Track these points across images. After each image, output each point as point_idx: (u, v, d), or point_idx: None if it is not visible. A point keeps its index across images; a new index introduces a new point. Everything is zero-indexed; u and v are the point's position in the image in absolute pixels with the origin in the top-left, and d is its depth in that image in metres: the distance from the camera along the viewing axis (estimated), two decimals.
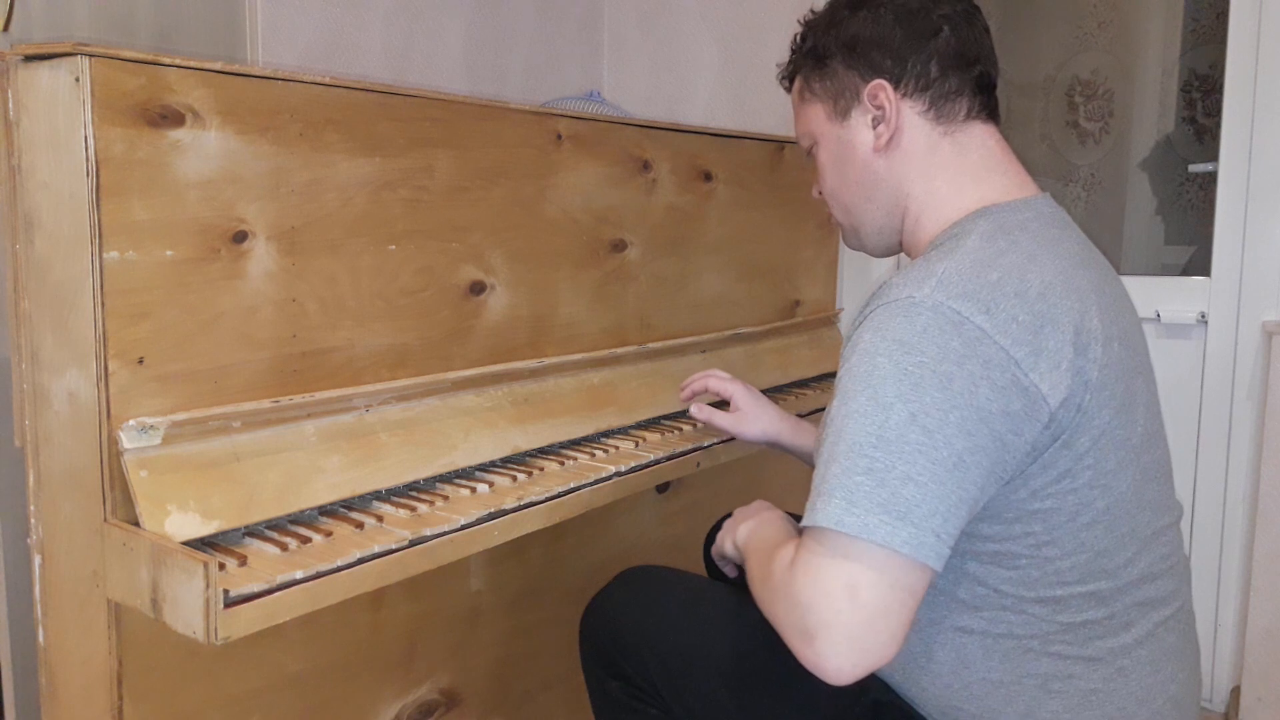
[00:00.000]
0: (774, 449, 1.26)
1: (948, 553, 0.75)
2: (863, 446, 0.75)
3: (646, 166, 1.46)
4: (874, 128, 0.93)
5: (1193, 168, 1.99)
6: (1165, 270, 2.08)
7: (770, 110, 2.13)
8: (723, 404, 1.29)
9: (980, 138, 0.93)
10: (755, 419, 1.25)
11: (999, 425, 0.76)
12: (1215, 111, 1.83)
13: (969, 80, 0.92)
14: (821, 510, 0.75)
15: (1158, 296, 1.78)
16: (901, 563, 0.73)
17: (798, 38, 1.00)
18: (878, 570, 0.72)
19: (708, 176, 1.58)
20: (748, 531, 0.97)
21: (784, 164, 1.73)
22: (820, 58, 0.96)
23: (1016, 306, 0.77)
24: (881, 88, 0.92)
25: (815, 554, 0.75)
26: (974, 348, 0.76)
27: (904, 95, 0.92)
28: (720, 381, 1.28)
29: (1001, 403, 0.75)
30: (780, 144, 1.72)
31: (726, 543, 1.02)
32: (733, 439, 1.33)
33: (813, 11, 0.99)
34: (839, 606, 0.72)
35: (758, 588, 0.85)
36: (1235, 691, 1.72)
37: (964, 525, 0.77)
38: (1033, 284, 0.79)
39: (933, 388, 0.74)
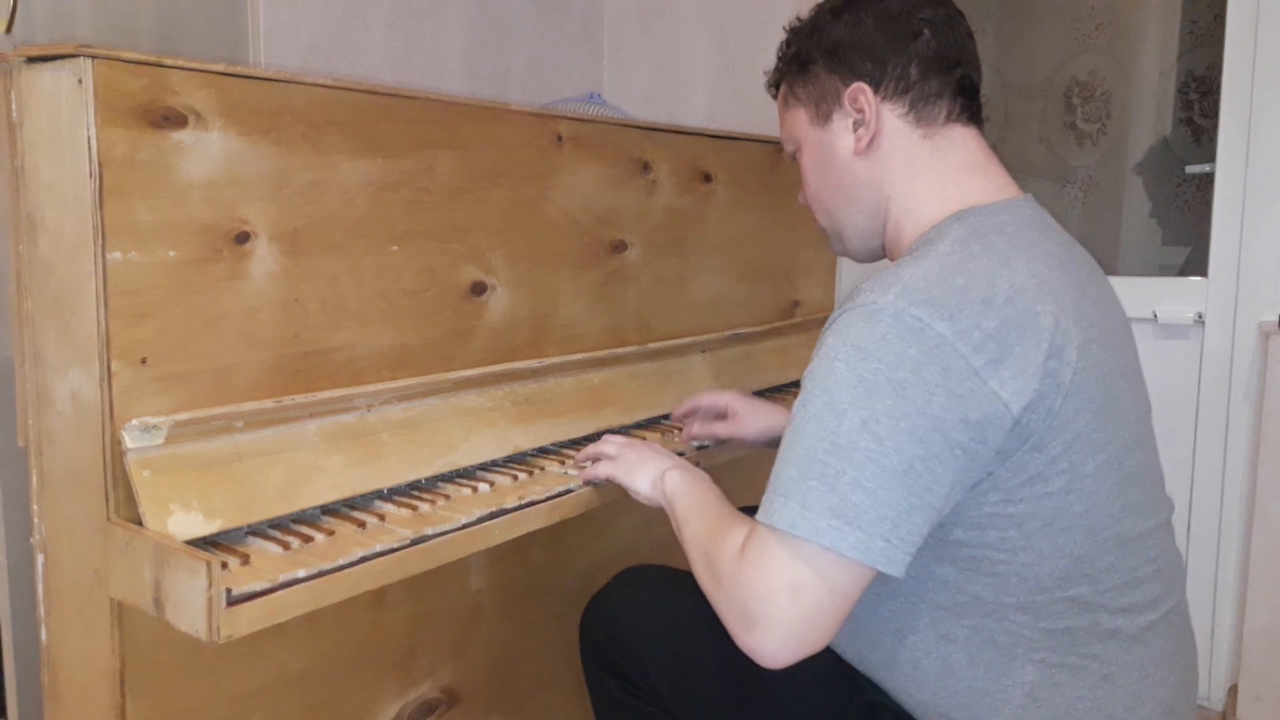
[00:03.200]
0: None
1: (903, 558, 0.76)
2: (816, 451, 0.77)
3: (646, 168, 1.46)
4: (854, 131, 0.94)
5: (1190, 169, 1.99)
6: (1162, 271, 2.09)
7: (770, 111, 2.12)
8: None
9: (960, 140, 0.93)
10: (754, 420, 1.26)
11: (956, 433, 0.76)
12: (1212, 113, 1.84)
13: (950, 83, 0.92)
14: (778, 511, 0.77)
15: (1154, 297, 1.78)
16: (846, 566, 0.76)
17: (782, 44, 1.01)
18: (820, 573, 0.76)
19: (707, 177, 1.59)
20: (681, 484, 0.99)
21: (783, 165, 1.74)
22: (803, 63, 0.97)
23: (981, 313, 0.77)
24: (861, 91, 0.92)
25: (765, 553, 0.77)
26: (932, 355, 0.76)
27: (884, 98, 0.92)
28: (711, 396, 1.32)
29: (958, 411, 0.75)
30: (780, 145, 1.73)
31: (639, 478, 1.05)
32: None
33: (799, 18, 1.00)
34: (781, 603, 0.76)
35: (699, 560, 0.88)
36: (1233, 690, 1.73)
37: (925, 530, 0.78)
38: (1001, 289, 0.79)
39: (886, 395, 0.75)
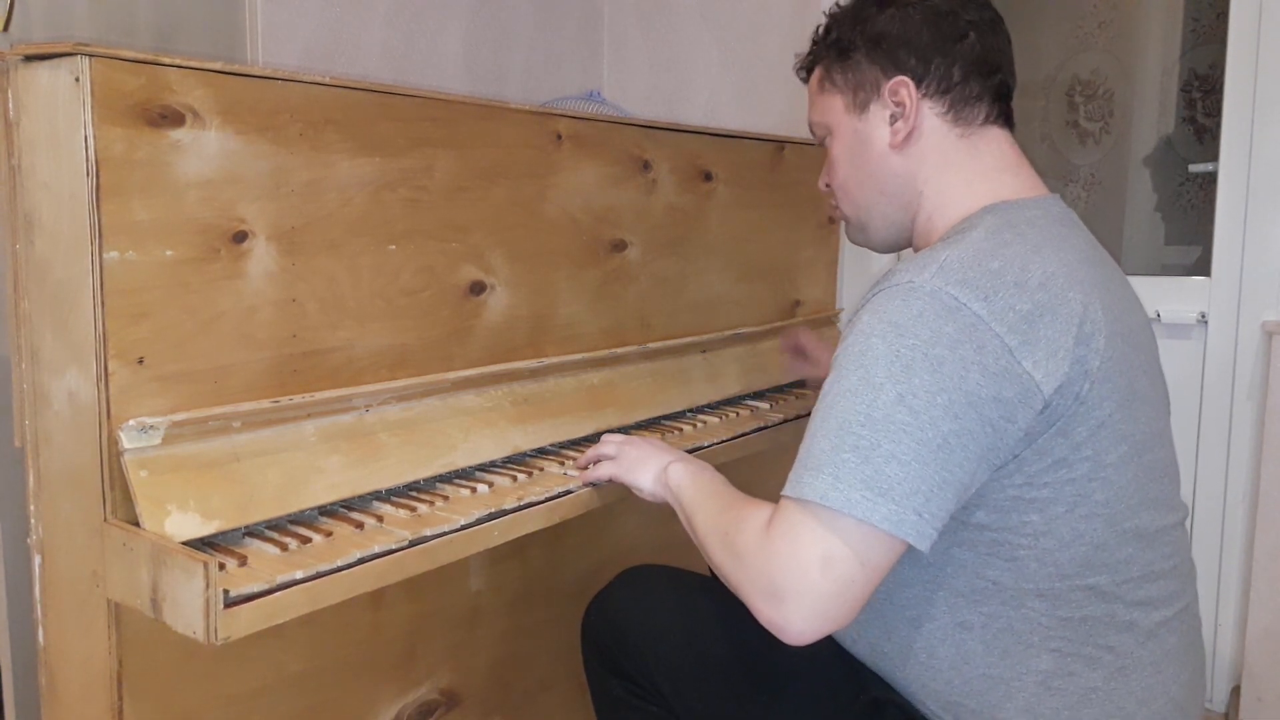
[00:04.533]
0: None
1: (932, 533, 0.76)
2: (851, 425, 0.77)
3: (646, 166, 1.46)
4: (891, 124, 0.95)
5: (1193, 168, 1.99)
6: (1166, 270, 2.08)
7: (771, 110, 2.13)
8: None
9: (995, 141, 0.94)
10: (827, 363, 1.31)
11: (989, 411, 0.77)
12: (1215, 111, 1.83)
13: (989, 87, 0.94)
14: (809, 484, 0.77)
15: (1158, 296, 1.77)
16: (878, 538, 0.75)
17: (821, 29, 1.01)
18: (852, 546, 0.75)
19: (708, 176, 1.58)
20: (686, 475, 0.98)
21: (784, 164, 1.73)
22: (844, 50, 0.97)
23: (1015, 295, 0.78)
24: (904, 84, 0.93)
25: (797, 524, 0.77)
26: (968, 333, 0.77)
27: (925, 95, 0.93)
28: (796, 333, 1.55)
29: (993, 388, 0.76)
30: (780, 144, 1.72)
31: (641, 475, 1.04)
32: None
33: (838, 5, 1.00)
34: (812, 577, 0.75)
35: (715, 542, 0.86)
36: (1235, 691, 1.72)
37: (952, 508, 0.78)
38: (1034, 274, 0.80)
39: (923, 370, 0.76)
